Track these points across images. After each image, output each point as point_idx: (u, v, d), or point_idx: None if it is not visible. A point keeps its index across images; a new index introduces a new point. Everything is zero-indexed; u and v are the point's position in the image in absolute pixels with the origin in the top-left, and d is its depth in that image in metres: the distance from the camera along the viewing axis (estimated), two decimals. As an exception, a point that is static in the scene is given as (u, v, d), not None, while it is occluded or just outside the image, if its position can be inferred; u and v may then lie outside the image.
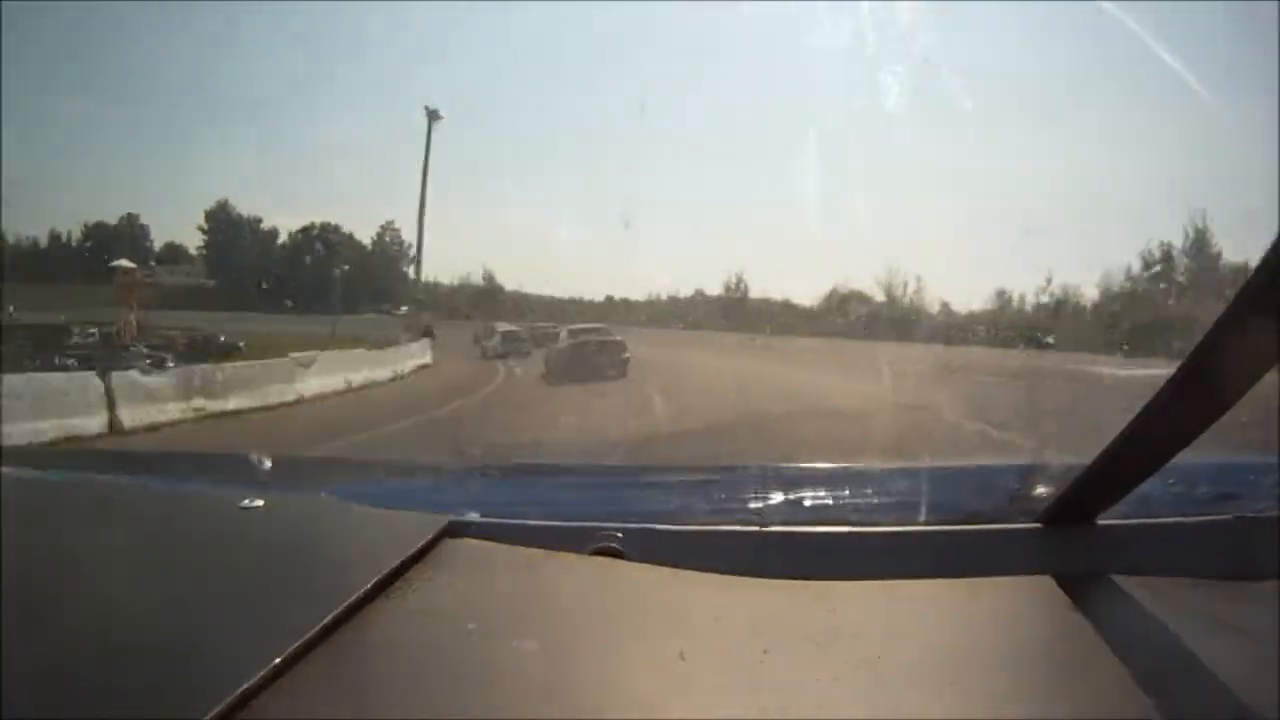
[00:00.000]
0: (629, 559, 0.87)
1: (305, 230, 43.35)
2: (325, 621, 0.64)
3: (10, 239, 34.50)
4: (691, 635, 0.68)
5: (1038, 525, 0.86)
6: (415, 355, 16.29)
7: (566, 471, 1.52)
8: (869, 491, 1.10)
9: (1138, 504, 0.86)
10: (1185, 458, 0.77)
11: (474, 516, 0.92)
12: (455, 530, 0.88)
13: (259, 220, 44.07)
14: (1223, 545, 0.86)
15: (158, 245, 42.18)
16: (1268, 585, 0.80)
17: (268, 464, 1.25)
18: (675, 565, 0.85)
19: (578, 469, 1.47)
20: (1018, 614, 0.75)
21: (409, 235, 40.38)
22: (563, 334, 15.57)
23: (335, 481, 1.28)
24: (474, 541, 0.87)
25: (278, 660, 0.57)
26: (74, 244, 39.72)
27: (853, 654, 0.65)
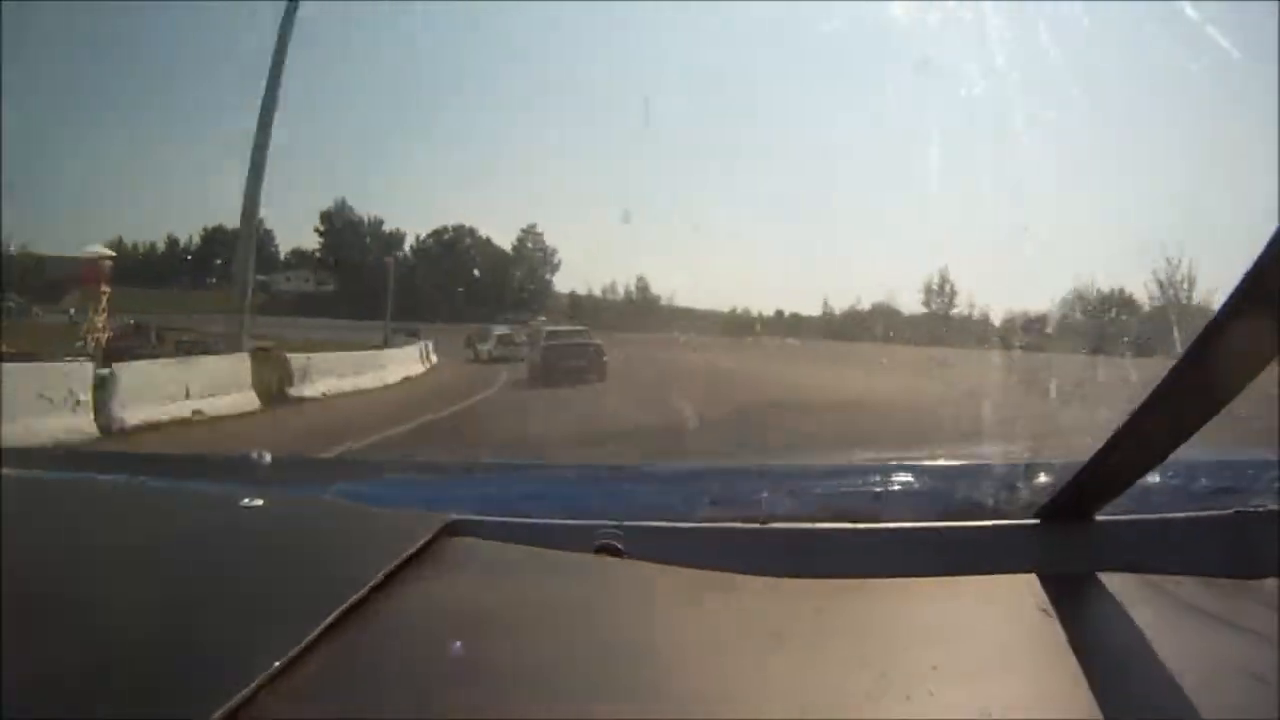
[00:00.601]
0: (630, 557, 0.87)
1: (437, 234, 41.14)
2: (326, 621, 0.64)
3: (129, 245, 36.45)
4: (693, 633, 0.68)
5: (1035, 521, 0.86)
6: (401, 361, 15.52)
7: (567, 469, 1.52)
8: (868, 488, 1.10)
9: (1136, 500, 0.87)
10: (1184, 453, 0.77)
11: (475, 515, 0.92)
12: (456, 529, 0.88)
13: (380, 222, 41.69)
14: (1222, 541, 0.86)
15: (285, 250, 41.64)
16: (1268, 582, 0.80)
17: (268, 463, 1.25)
18: (676, 563, 0.85)
19: (578, 467, 1.47)
20: (1015, 611, 0.75)
21: (554, 240, 39.97)
22: (542, 336, 15.92)
23: (336, 481, 1.28)
24: (475, 540, 0.87)
25: (278, 661, 0.57)
26: (190, 249, 40.76)
27: (852, 651, 0.66)
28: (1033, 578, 0.81)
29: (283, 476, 1.25)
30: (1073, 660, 0.67)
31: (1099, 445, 0.74)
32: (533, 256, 41.36)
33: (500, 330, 20.87)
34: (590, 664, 0.63)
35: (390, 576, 0.74)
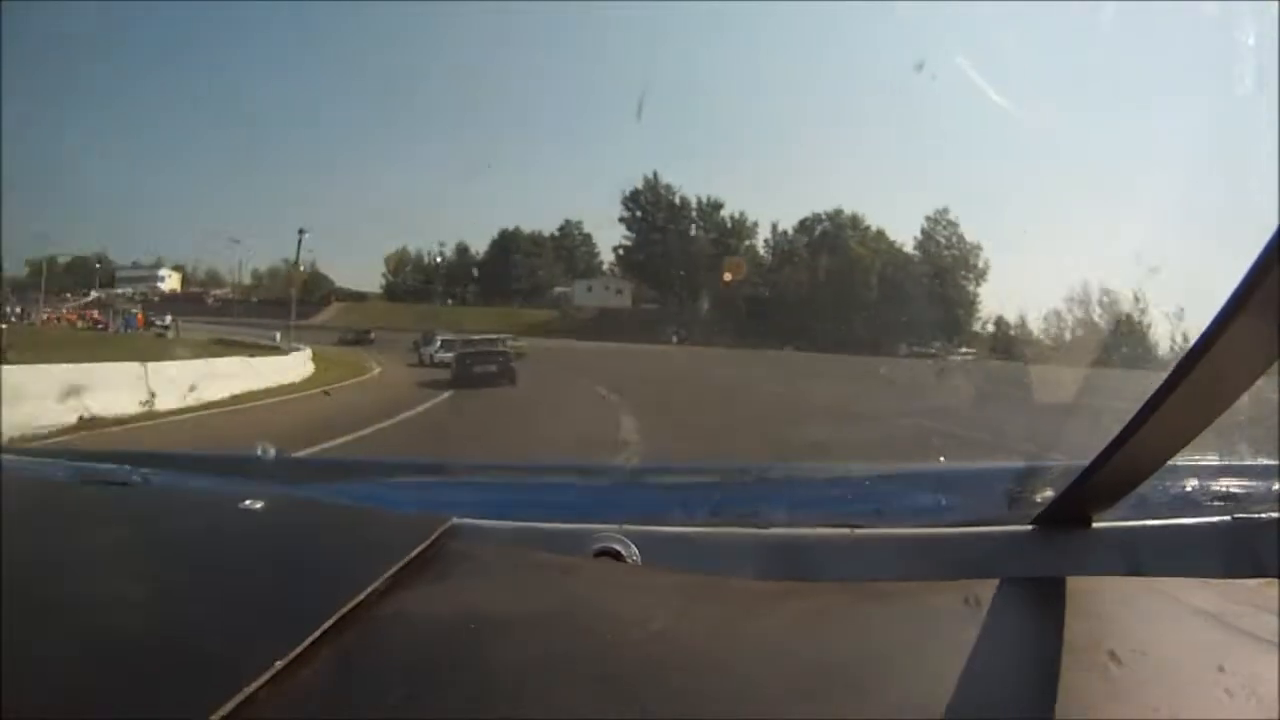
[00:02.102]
0: (630, 561, 0.87)
1: (805, 225, 30.49)
2: (326, 623, 0.64)
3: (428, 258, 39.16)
4: (692, 637, 0.68)
5: (1035, 527, 0.86)
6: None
7: (568, 473, 1.52)
8: (868, 493, 1.10)
9: (1135, 505, 0.87)
10: (1183, 458, 0.77)
11: (475, 518, 0.92)
12: (456, 532, 0.89)
13: (715, 205, 32.80)
14: (1221, 546, 0.86)
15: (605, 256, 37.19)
16: (1267, 585, 0.80)
17: (269, 464, 1.25)
18: (676, 567, 0.85)
19: (579, 470, 1.47)
20: (1015, 617, 0.75)
21: (975, 236, 25.61)
22: (457, 344, 18.66)
23: (336, 482, 1.28)
24: (475, 542, 0.88)
25: (278, 661, 0.57)
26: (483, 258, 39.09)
27: (852, 656, 0.66)
28: (1032, 583, 0.81)
29: (284, 477, 1.25)
30: (1073, 665, 0.67)
31: (1098, 451, 0.74)
32: (941, 257, 27.10)
33: (445, 336, 22.34)
34: (590, 668, 0.63)
35: (391, 579, 0.74)
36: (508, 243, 38.98)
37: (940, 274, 25.74)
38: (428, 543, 0.83)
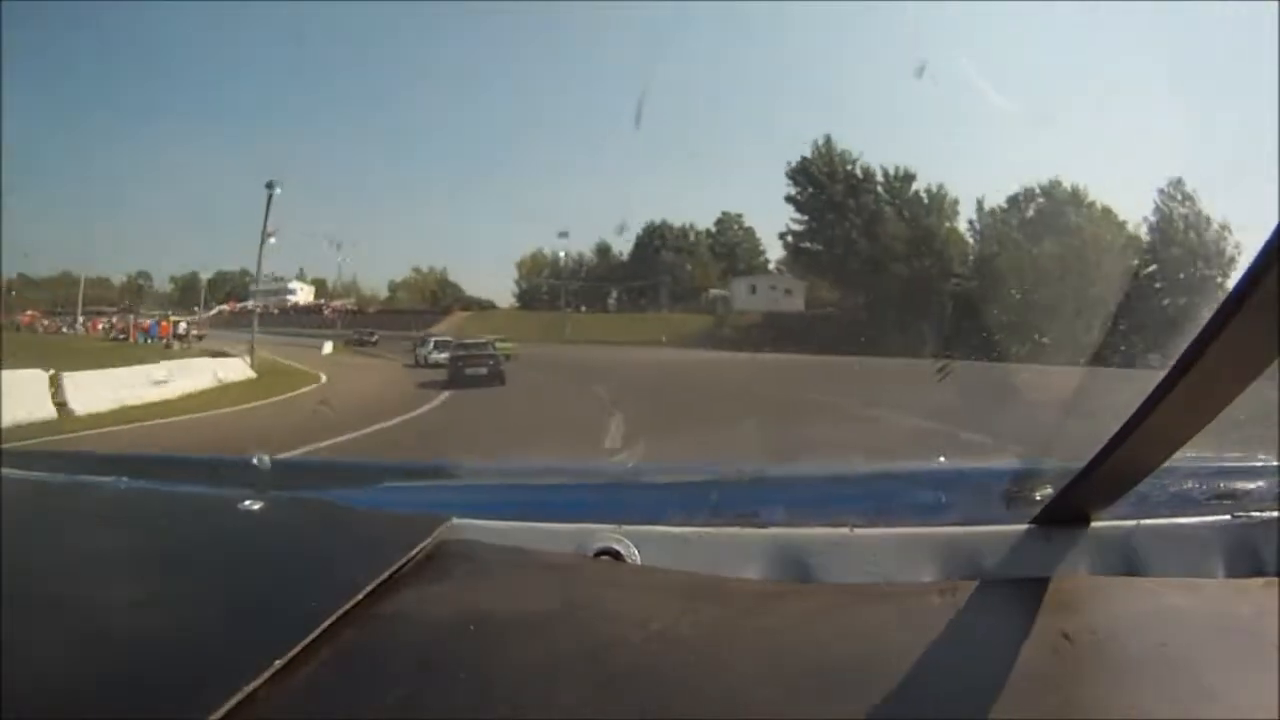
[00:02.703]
0: (630, 561, 0.87)
1: (1017, 201, 22.18)
2: (326, 623, 0.64)
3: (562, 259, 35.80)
4: (691, 637, 0.68)
5: (1034, 526, 0.86)
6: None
7: (567, 473, 1.52)
8: (867, 493, 1.10)
9: (1134, 505, 0.87)
10: (1182, 458, 0.77)
11: (475, 518, 0.92)
12: (456, 532, 0.89)
13: (906, 177, 24.40)
14: (1220, 546, 0.86)
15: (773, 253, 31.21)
16: (1267, 586, 0.80)
17: (267, 465, 1.25)
18: (675, 567, 0.85)
19: (578, 470, 1.47)
20: (1014, 616, 0.75)
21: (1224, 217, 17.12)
22: (451, 345, 20.12)
23: (335, 483, 1.28)
24: (474, 543, 0.87)
25: (278, 661, 0.57)
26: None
27: (851, 656, 0.66)
28: (1031, 583, 0.81)
29: (283, 479, 1.25)
30: (1071, 664, 0.67)
31: (1097, 450, 0.74)
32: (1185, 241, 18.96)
33: (439, 338, 23.96)
34: (590, 668, 0.63)
35: (391, 579, 0.74)
36: (654, 239, 33.60)
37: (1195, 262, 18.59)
38: (427, 543, 0.83)
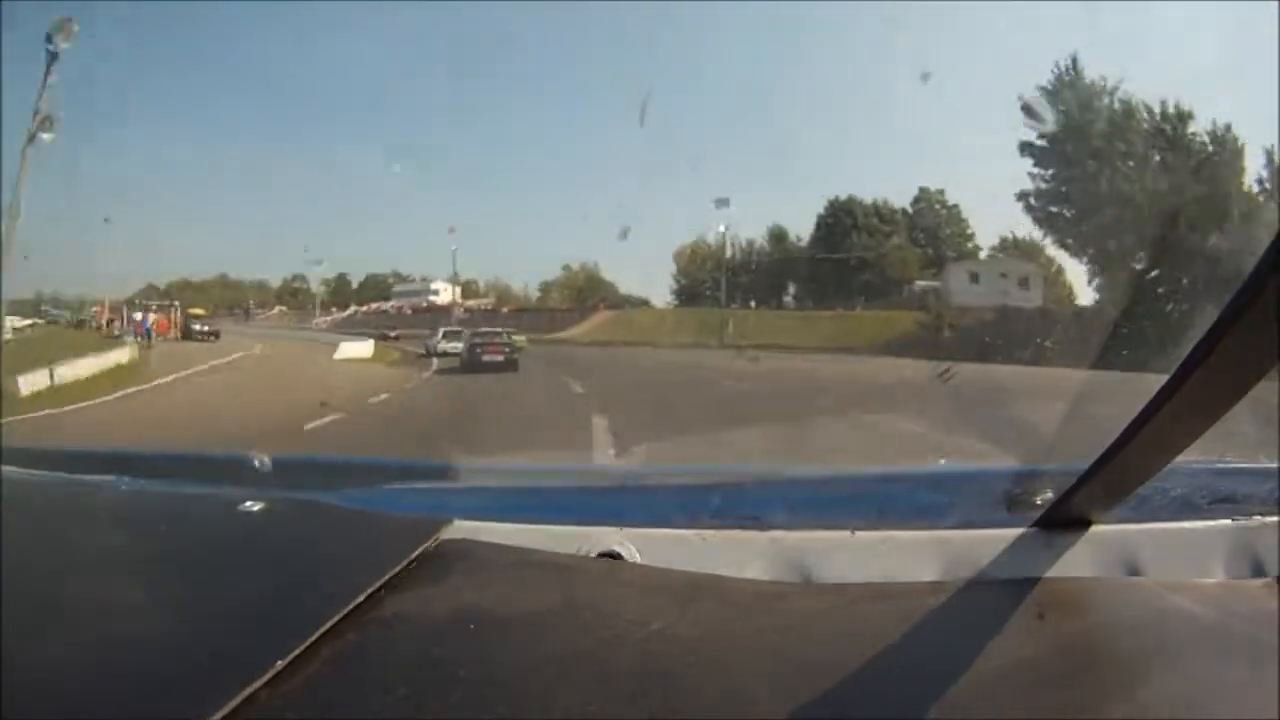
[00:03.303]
0: (631, 562, 0.87)
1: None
2: (326, 625, 0.64)
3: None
4: (693, 639, 0.68)
5: (1035, 529, 0.86)
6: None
7: (569, 474, 1.52)
8: (869, 495, 1.10)
9: (1136, 508, 0.87)
10: (1184, 461, 0.77)
11: (475, 519, 0.92)
12: (457, 533, 0.89)
13: (1184, 114, 16.73)
14: (1222, 550, 0.86)
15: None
16: (1267, 588, 0.80)
17: (267, 465, 1.25)
18: (677, 569, 0.85)
19: (580, 471, 1.47)
20: (1015, 618, 0.75)
21: None
22: (465, 334, 20.89)
23: (336, 483, 1.28)
24: (475, 544, 0.88)
25: (278, 662, 0.57)
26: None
27: (852, 658, 0.66)
28: (1032, 585, 0.81)
29: (283, 479, 1.25)
30: (1073, 667, 0.67)
31: (1099, 453, 0.74)
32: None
33: (448, 329, 24.31)
34: (590, 669, 0.63)
35: (391, 580, 0.74)
36: (840, 217, 27.38)
37: None
38: (428, 544, 0.83)
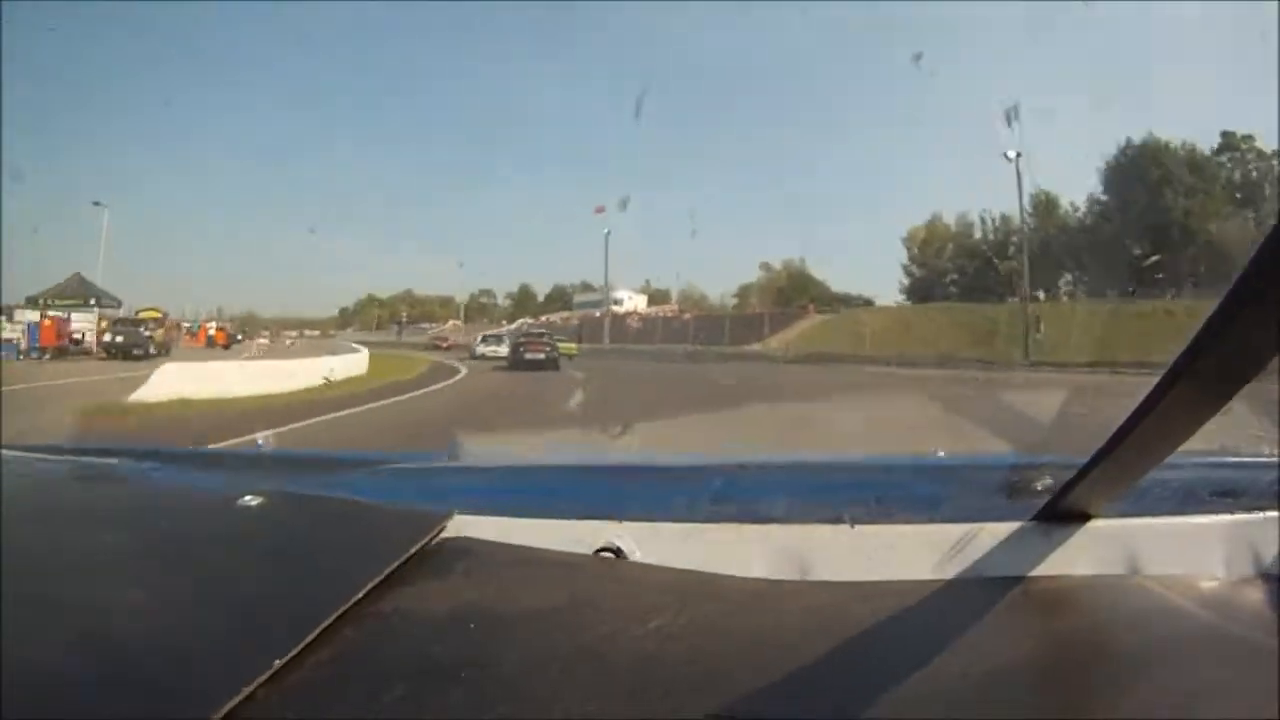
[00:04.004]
0: (630, 558, 0.87)
1: None
2: (326, 620, 0.64)
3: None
4: (693, 634, 0.68)
5: (1034, 523, 0.86)
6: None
7: (569, 468, 1.52)
8: (868, 488, 1.10)
9: (1135, 502, 0.87)
10: (1183, 454, 0.77)
11: (476, 513, 0.92)
12: (457, 527, 0.89)
13: None
14: (1222, 544, 0.86)
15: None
16: (1268, 584, 0.80)
17: (268, 459, 1.25)
18: (677, 563, 0.85)
19: (580, 467, 1.47)
20: (1013, 613, 0.75)
21: None
22: (506, 338, 22.29)
23: (335, 478, 1.28)
24: (475, 539, 0.87)
25: (278, 660, 0.57)
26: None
27: (851, 653, 0.66)
28: (1032, 579, 0.81)
29: (283, 472, 1.25)
30: (1072, 662, 0.67)
31: (1098, 446, 0.74)
32: None
33: (488, 333, 25.92)
34: (590, 665, 0.63)
35: (391, 574, 0.74)
36: (1146, 167, 19.30)
37: None
38: (428, 538, 0.83)
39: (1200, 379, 0.61)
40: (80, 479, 1.29)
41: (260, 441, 1.30)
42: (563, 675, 0.61)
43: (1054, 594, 0.78)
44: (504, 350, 22.54)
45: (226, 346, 27.81)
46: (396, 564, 0.76)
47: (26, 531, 0.90)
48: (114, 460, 1.39)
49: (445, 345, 30.84)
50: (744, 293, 33.22)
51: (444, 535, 0.87)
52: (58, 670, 0.57)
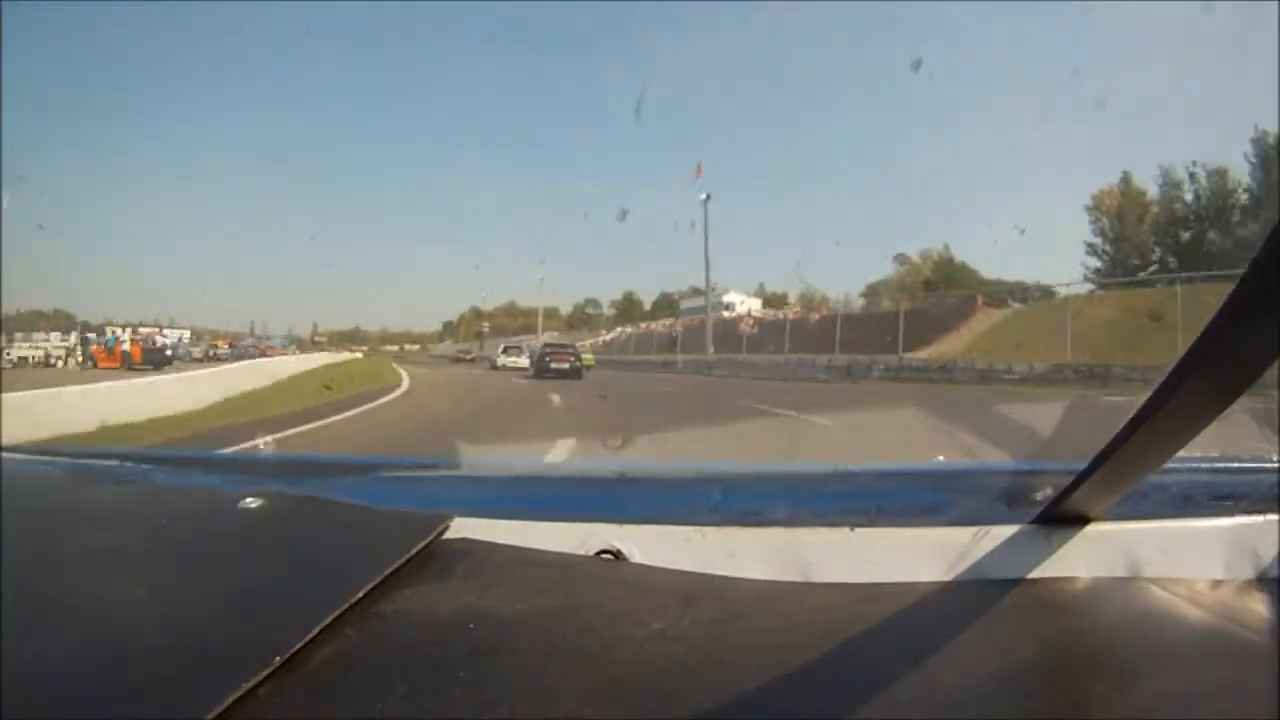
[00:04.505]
0: (631, 560, 0.87)
1: None
2: (325, 621, 0.64)
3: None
4: (692, 637, 0.68)
5: (1034, 526, 0.86)
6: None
7: (568, 472, 1.52)
8: (867, 492, 1.10)
9: (1135, 505, 0.87)
10: (1183, 458, 0.77)
11: (475, 516, 0.92)
12: (457, 529, 0.89)
13: None
14: (1222, 547, 0.86)
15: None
16: (1268, 587, 0.80)
17: (268, 461, 1.25)
18: (676, 567, 0.85)
19: (579, 469, 1.47)
20: (1014, 616, 0.75)
21: None
22: (537, 346, 23.06)
23: (336, 482, 1.28)
24: (475, 542, 0.88)
25: (278, 660, 0.57)
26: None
27: (850, 656, 0.66)
28: (1031, 583, 0.81)
29: (283, 474, 1.25)
30: (1072, 666, 0.67)
31: (1098, 449, 0.74)
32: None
33: (508, 344, 26.84)
34: (590, 667, 0.63)
35: (390, 577, 0.74)
36: None
37: None
38: (427, 541, 0.83)
39: (1201, 383, 0.61)
40: (81, 480, 1.30)
41: (261, 445, 1.30)
42: (563, 676, 0.61)
43: (1054, 596, 0.78)
44: (524, 361, 24.28)
45: (154, 366, 23.70)
46: (396, 565, 0.76)
47: (27, 532, 0.90)
48: (115, 462, 1.39)
49: (469, 358, 32.94)
50: (873, 291, 26.93)
51: (444, 537, 0.87)
52: (58, 670, 0.57)
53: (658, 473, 1.41)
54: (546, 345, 22.52)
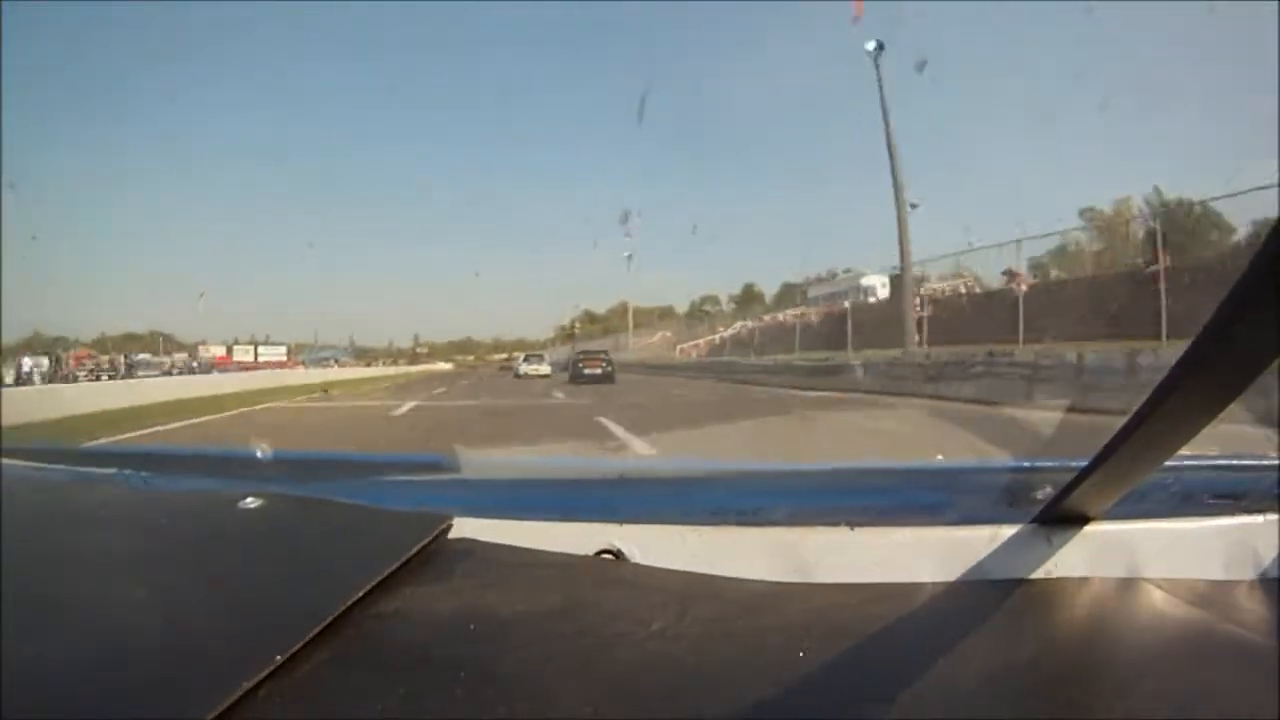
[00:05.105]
0: (631, 560, 0.87)
1: None
2: (325, 621, 0.64)
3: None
4: (692, 637, 0.68)
5: (1034, 526, 0.86)
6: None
7: (569, 472, 1.52)
8: (867, 492, 1.10)
9: (1135, 505, 0.86)
10: (1183, 457, 0.77)
11: (475, 516, 0.92)
12: (457, 530, 0.89)
13: None
14: (1222, 547, 0.86)
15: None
16: (1268, 587, 0.80)
17: (268, 462, 1.25)
18: (677, 566, 0.85)
19: (580, 469, 1.47)
20: (1014, 616, 0.75)
21: None
22: (571, 351, 24.41)
23: (336, 481, 1.28)
24: (475, 541, 0.88)
25: (278, 660, 0.57)
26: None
27: (851, 656, 0.66)
28: (1031, 583, 0.81)
29: (283, 475, 1.25)
30: (1072, 664, 0.67)
31: (1098, 448, 0.74)
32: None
33: (529, 354, 28.01)
34: (590, 667, 0.63)
35: (391, 577, 0.74)
36: None
37: None
38: (427, 541, 0.83)
39: (1201, 383, 0.61)
40: (80, 480, 1.30)
41: (260, 446, 1.30)
42: (563, 676, 0.61)
43: (1053, 596, 0.78)
44: (545, 369, 27.43)
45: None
46: (396, 565, 0.76)
47: (27, 533, 0.90)
48: (114, 463, 1.39)
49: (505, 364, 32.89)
50: (1055, 259, 21.53)
51: (444, 537, 0.87)
52: (58, 671, 0.57)
53: (658, 473, 1.41)
54: (580, 351, 23.11)
